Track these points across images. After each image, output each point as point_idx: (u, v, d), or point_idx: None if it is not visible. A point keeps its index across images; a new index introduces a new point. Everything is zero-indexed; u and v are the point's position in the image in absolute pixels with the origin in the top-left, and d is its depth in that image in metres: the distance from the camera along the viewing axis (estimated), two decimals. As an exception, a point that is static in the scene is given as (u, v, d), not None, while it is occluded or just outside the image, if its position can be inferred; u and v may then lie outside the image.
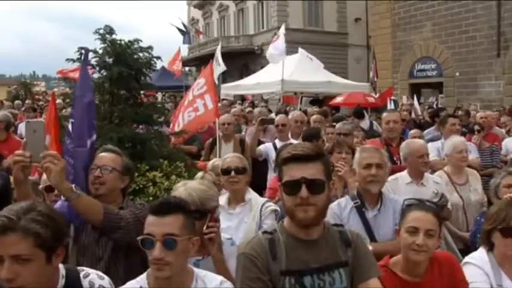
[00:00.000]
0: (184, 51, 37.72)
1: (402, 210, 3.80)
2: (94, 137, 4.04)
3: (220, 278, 2.87)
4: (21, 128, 10.73)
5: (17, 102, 19.54)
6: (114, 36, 5.90)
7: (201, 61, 42.40)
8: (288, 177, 2.70)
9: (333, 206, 4.38)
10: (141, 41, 6.05)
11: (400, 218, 3.60)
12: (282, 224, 2.85)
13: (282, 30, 17.02)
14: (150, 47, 6.16)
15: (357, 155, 4.64)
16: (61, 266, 2.55)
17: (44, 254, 2.32)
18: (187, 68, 33.07)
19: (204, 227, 3.34)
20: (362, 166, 4.46)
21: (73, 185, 3.37)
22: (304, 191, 2.62)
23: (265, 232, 2.85)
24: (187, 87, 23.97)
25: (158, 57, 6.29)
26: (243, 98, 23.85)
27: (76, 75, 14.03)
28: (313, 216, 2.66)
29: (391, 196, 4.59)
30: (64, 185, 3.21)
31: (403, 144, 6.06)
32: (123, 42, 5.92)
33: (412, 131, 9.16)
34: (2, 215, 2.28)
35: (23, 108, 16.01)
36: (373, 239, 4.30)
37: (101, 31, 5.90)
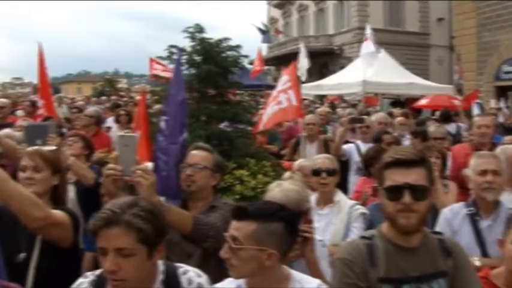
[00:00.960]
0: (264, 50, 37.90)
1: (507, 220, 3.59)
2: (185, 134, 4.06)
3: (317, 281, 2.79)
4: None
5: (103, 98, 20.15)
6: (203, 34, 5.95)
7: (280, 60, 42.48)
8: (390, 182, 2.61)
9: (446, 211, 4.23)
10: (230, 39, 6.08)
11: (506, 228, 3.39)
12: (381, 230, 2.76)
13: (368, 31, 16.64)
14: (239, 46, 6.18)
15: (472, 160, 4.42)
16: (160, 261, 2.55)
17: (145, 249, 2.33)
18: (266, 67, 33.22)
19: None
20: (477, 172, 4.20)
21: (162, 198, 3.37)
22: (407, 197, 2.53)
23: (363, 237, 2.76)
24: (267, 86, 24.10)
25: (246, 56, 6.31)
26: (322, 98, 23.66)
27: (163, 73, 14.38)
28: (415, 223, 2.57)
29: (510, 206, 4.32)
30: (154, 198, 3.22)
31: (498, 150, 5.77)
32: (212, 40, 5.96)
33: (508, 137, 8.74)
34: (107, 209, 2.32)
35: (107, 104, 16.44)
36: (484, 252, 4.04)
37: (191, 29, 5.96)
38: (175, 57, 5.67)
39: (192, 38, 5.96)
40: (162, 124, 4.02)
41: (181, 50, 5.23)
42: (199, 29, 5.94)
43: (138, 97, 22.72)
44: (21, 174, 3.56)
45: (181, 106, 4.01)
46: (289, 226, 2.57)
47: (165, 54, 5.95)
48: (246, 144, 5.93)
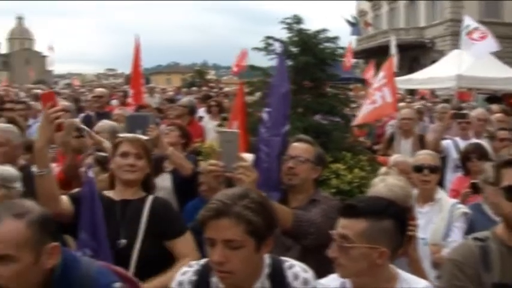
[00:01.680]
0: (353, 43, 37.42)
1: None
2: (287, 126, 4.03)
3: (424, 282, 2.68)
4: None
5: (193, 89, 20.50)
6: (301, 25, 5.89)
7: (369, 53, 41.80)
8: (509, 181, 2.46)
9: None
10: (327, 30, 5.99)
11: None
12: (495, 232, 2.62)
13: (471, 23, 15.15)
14: (336, 37, 6.08)
15: None
16: (266, 254, 2.52)
17: (254, 242, 2.29)
18: (354, 60, 32.77)
19: None
20: None
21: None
22: None
23: (476, 239, 2.63)
24: (356, 80, 23.74)
25: (342, 48, 6.20)
26: (412, 93, 23.08)
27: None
28: None
29: None
30: None
31: None
32: (309, 31, 5.89)
33: None
34: (217, 199, 2.29)
35: (197, 95, 16.69)
36: None
37: (288, 20, 5.92)
38: (278, 48, 5.64)
39: (290, 29, 5.92)
40: (265, 116, 4.01)
41: (283, 42, 5.20)
42: (297, 19, 5.89)
43: (227, 88, 23.13)
44: (121, 161, 3.61)
45: (284, 98, 3.98)
46: (398, 223, 2.48)
47: (261, 45, 5.95)
48: (342, 138, 5.84)
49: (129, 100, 10.28)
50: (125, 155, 3.63)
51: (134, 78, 10.39)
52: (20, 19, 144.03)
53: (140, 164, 3.61)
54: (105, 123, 6.28)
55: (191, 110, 9.05)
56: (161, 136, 5.01)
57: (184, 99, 9.81)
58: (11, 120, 5.98)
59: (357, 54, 45.62)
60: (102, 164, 4.57)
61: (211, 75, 61.67)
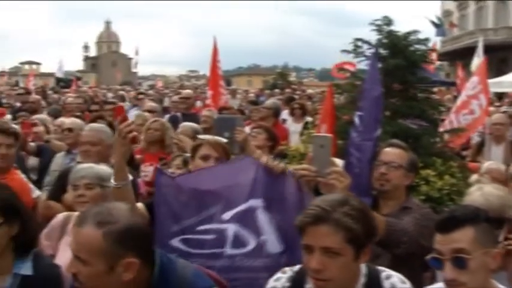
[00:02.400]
0: (437, 45, 36.41)
1: None
2: (379, 130, 3.93)
3: None
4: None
5: (276, 91, 20.54)
6: (392, 27, 5.76)
7: (454, 55, 40.58)
8: None
9: None
10: (418, 32, 5.82)
11: None
12: None
13: None
14: (427, 39, 5.91)
15: None
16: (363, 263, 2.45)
17: (353, 250, 2.24)
18: (439, 62, 31.92)
19: (501, 238, 3.01)
20: None
21: None
22: None
23: None
24: (441, 83, 23.08)
25: (433, 50, 6.01)
26: (500, 96, 22.18)
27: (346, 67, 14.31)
28: None
29: None
30: None
31: None
32: (400, 33, 5.75)
33: None
34: (316, 205, 2.25)
35: (280, 97, 16.66)
36: None
37: (378, 22, 5.79)
38: (369, 51, 5.55)
39: (379, 30, 5.79)
40: (356, 119, 3.93)
41: (376, 46, 5.08)
42: (388, 21, 5.76)
43: (310, 90, 23.04)
44: (201, 163, 3.65)
45: (377, 101, 3.89)
46: (491, 226, 2.39)
47: (348, 47, 5.86)
48: (432, 143, 5.65)
49: (208, 102, 10.41)
50: (205, 158, 3.68)
51: (213, 80, 10.52)
52: (107, 23, 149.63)
53: None
54: (187, 125, 6.37)
55: (275, 112, 9.06)
56: (249, 139, 5.00)
57: (269, 101, 9.84)
58: (109, 123, 6.17)
59: (442, 56, 44.42)
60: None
61: (292, 77, 61.69)
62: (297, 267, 2.56)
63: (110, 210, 2.30)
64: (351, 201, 2.30)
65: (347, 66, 8.93)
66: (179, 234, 3.30)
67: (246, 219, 3.29)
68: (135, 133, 3.22)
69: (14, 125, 5.62)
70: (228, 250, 3.30)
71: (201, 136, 4.39)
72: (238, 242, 3.29)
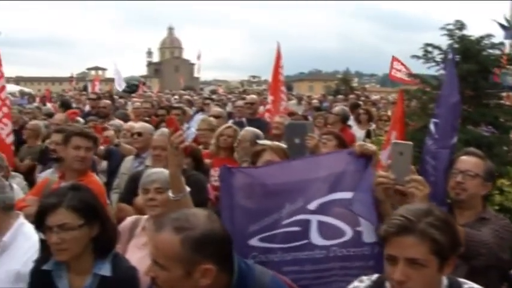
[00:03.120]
0: (507, 49, 35.30)
1: None
2: (455, 138, 3.83)
3: None
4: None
5: (339, 97, 20.35)
6: (464, 32, 5.61)
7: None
8: None
9: None
10: (492, 36, 5.65)
11: None
12: None
13: None
14: (502, 43, 5.72)
15: None
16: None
17: (437, 262, 2.18)
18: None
19: None
20: None
21: None
22: None
23: None
24: (509, 88, 22.35)
25: (509, 54, 5.83)
26: None
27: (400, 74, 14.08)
28: None
29: None
30: None
31: None
32: (473, 38, 5.59)
33: None
34: (401, 215, 2.20)
35: (344, 103, 16.48)
36: None
37: (450, 26, 5.66)
38: (439, 56, 5.43)
39: (451, 35, 5.65)
40: (432, 127, 3.84)
41: (452, 51, 4.94)
42: (460, 25, 5.61)
43: (374, 96, 22.71)
44: None
45: (454, 108, 3.80)
46: None
47: (420, 53, 5.75)
48: (506, 151, 5.46)
49: (269, 107, 10.39)
50: (268, 163, 3.66)
51: (274, 85, 10.51)
52: (170, 29, 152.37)
53: None
54: (248, 129, 6.37)
55: (343, 118, 9.00)
56: (319, 145, 4.98)
57: (337, 108, 9.77)
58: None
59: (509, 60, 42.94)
60: None
61: (354, 82, 61.25)
62: (374, 276, 2.52)
63: (187, 216, 2.30)
64: (435, 212, 2.24)
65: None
66: (259, 233, 3.24)
67: (340, 210, 3.22)
68: (186, 143, 3.23)
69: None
70: (320, 241, 3.22)
71: (260, 141, 4.37)
72: (332, 232, 3.22)
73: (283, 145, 4.12)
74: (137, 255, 3.47)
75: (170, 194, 3.25)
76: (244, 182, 3.28)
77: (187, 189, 3.29)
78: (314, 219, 3.22)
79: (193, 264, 2.21)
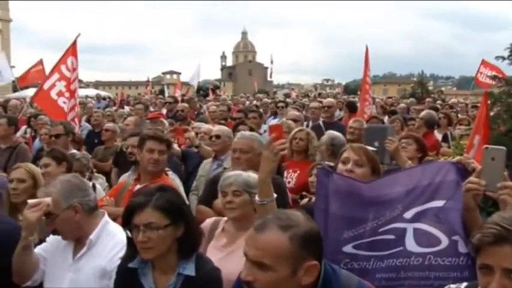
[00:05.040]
0: None
1: None
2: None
3: None
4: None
5: (411, 100, 19.87)
6: None
7: None
8: None
9: None
10: None
11: None
12: None
13: None
14: None
15: None
16: None
17: None
18: None
19: None
20: None
21: None
22: None
23: None
24: None
25: None
26: None
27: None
28: None
29: None
30: None
31: None
32: None
33: None
34: (496, 224, 2.10)
35: (417, 107, 16.11)
36: None
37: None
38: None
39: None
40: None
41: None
42: None
43: (453, 100, 22.03)
44: (341, 167, 3.64)
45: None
46: None
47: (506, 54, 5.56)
48: None
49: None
50: (345, 161, 3.68)
51: (364, 88, 10.44)
52: (244, 34, 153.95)
53: (359, 171, 3.62)
54: (327, 133, 6.35)
55: (429, 123, 8.85)
56: (399, 149, 4.89)
57: (424, 112, 9.58)
58: (251, 130, 6.29)
59: None
60: None
61: (429, 85, 59.88)
62: (463, 285, 2.44)
63: (288, 215, 2.31)
64: None
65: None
66: (353, 240, 3.20)
67: (436, 218, 3.15)
68: (285, 152, 3.22)
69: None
70: (416, 248, 3.16)
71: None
72: (428, 240, 3.14)
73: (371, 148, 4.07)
74: (217, 256, 3.51)
75: (257, 198, 3.29)
76: (341, 187, 3.27)
77: (274, 194, 3.30)
78: (410, 227, 3.17)
79: (299, 262, 2.22)
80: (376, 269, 3.16)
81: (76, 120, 8.42)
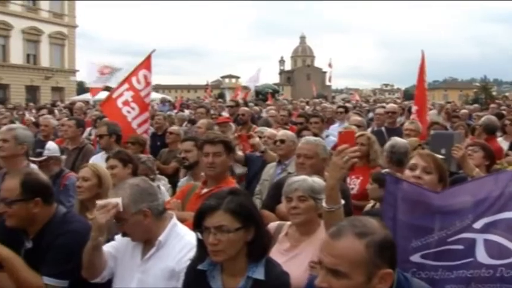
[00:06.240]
0: None
1: None
2: None
3: None
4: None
5: (474, 106, 19.44)
6: None
7: None
8: None
9: None
10: None
11: None
12: None
13: None
14: None
15: None
16: None
17: None
18: None
19: None
20: None
21: None
22: None
23: None
24: None
25: None
26: None
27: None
28: None
29: None
30: None
31: None
32: None
33: None
34: None
35: (480, 113, 15.70)
36: None
37: None
38: None
39: None
40: None
41: None
42: None
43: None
44: (408, 173, 3.63)
45: None
46: None
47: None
48: None
49: (413, 116, 10.13)
50: (412, 167, 3.66)
51: (418, 94, 10.26)
52: (302, 38, 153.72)
53: (427, 178, 3.60)
54: (391, 139, 6.26)
55: (489, 128, 8.64)
56: (466, 156, 4.80)
57: (483, 118, 9.37)
58: (314, 135, 6.28)
59: None
60: None
61: (492, 91, 58.35)
62: None
63: (363, 222, 2.32)
64: None
65: None
66: (421, 249, 3.19)
67: (508, 229, 3.10)
68: (356, 160, 3.21)
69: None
70: (487, 260, 3.13)
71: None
72: (499, 252, 3.10)
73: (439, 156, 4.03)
74: (279, 260, 3.51)
75: (324, 204, 3.28)
76: (409, 194, 3.25)
77: (342, 201, 3.30)
78: (480, 238, 3.13)
79: (375, 269, 2.23)
80: (445, 280, 3.12)
81: (149, 132, 8.61)
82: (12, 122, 11.12)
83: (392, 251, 2.30)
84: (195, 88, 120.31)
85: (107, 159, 5.57)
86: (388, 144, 6.02)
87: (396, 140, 6.15)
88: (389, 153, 5.89)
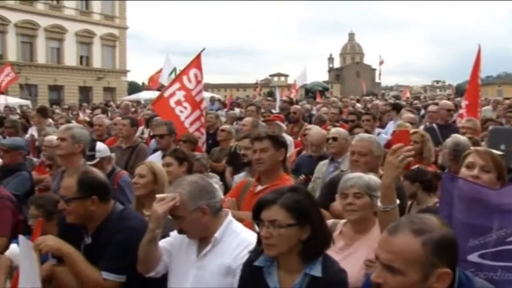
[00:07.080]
0: None
1: None
2: None
3: None
4: None
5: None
6: None
7: None
8: None
9: None
10: None
11: None
12: None
13: None
14: None
15: None
16: None
17: None
18: None
19: None
20: None
21: None
22: None
23: None
24: None
25: None
26: None
27: None
28: None
29: None
30: None
31: None
32: None
33: None
34: None
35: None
36: None
37: None
38: None
39: None
40: None
41: None
42: None
43: None
44: (465, 172, 3.53)
45: None
46: None
47: None
48: None
49: (462, 111, 9.93)
50: (470, 166, 3.56)
51: (471, 89, 10.05)
52: (351, 35, 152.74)
53: (485, 177, 3.50)
54: (451, 136, 6.15)
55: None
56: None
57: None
58: (366, 132, 6.23)
59: None
60: None
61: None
62: None
63: (422, 219, 2.30)
64: None
65: None
66: (479, 249, 3.09)
67: None
68: (411, 159, 3.18)
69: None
70: None
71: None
72: None
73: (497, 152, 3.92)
74: (335, 258, 3.51)
75: (379, 204, 3.26)
76: (466, 192, 3.15)
77: (397, 201, 3.28)
78: None
79: (431, 268, 2.19)
80: (505, 281, 3.03)
81: (202, 129, 8.68)
82: (68, 121, 11.38)
83: (452, 250, 2.26)
84: (244, 87, 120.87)
85: (163, 157, 5.66)
86: (450, 142, 5.87)
87: (458, 138, 5.99)
88: (452, 151, 5.74)
